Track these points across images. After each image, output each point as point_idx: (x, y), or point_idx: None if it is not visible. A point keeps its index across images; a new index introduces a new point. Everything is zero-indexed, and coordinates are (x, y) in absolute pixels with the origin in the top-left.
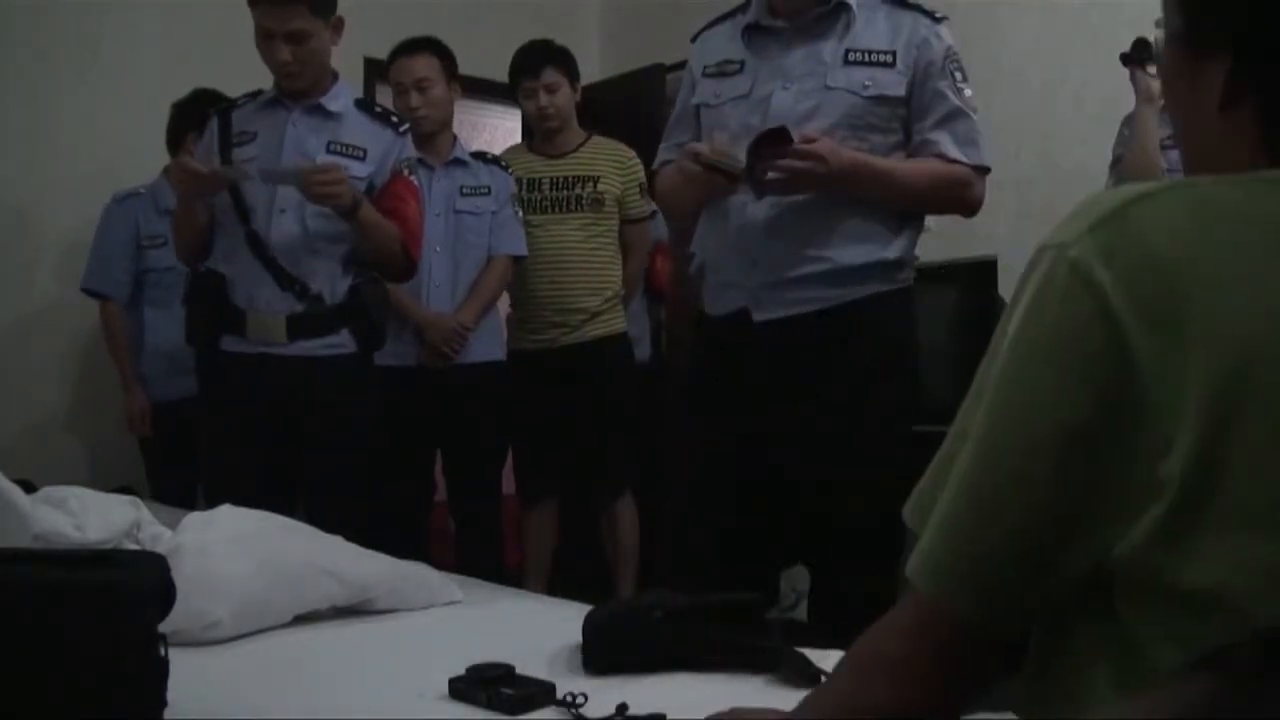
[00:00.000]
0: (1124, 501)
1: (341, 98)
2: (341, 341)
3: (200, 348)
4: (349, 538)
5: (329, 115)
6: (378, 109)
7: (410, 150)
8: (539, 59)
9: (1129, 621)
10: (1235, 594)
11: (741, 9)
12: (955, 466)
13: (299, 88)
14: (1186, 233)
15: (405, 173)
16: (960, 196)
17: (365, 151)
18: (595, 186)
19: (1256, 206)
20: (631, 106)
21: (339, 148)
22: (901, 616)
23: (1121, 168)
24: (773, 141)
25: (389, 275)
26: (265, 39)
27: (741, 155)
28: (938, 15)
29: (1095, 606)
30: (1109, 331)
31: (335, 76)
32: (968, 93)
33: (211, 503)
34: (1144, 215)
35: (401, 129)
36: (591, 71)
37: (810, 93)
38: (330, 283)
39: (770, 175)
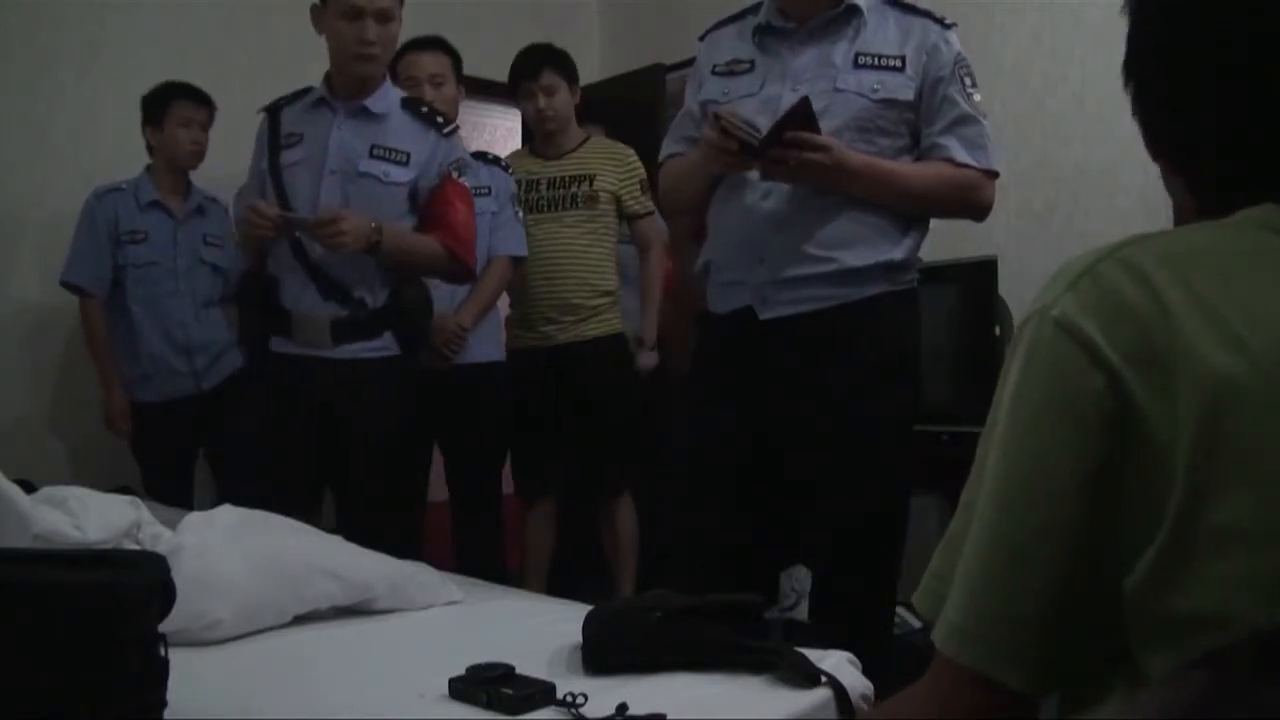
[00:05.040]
0: (1134, 538)
1: (387, 98)
2: (384, 344)
3: (250, 348)
4: (389, 538)
5: (373, 117)
6: (424, 109)
7: (458, 151)
8: (537, 61)
9: (1139, 652)
10: (1231, 611)
11: (752, 10)
12: (970, 537)
13: (371, 73)
14: (1154, 280)
15: (454, 175)
16: (968, 200)
17: (409, 155)
18: (590, 184)
19: (1213, 247)
20: (631, 106)
21: (382, 152)
22: (933, 688)
23: None
24: (796, 124)
25: (446, 280)
26: (351, 18)
27: (761, 131)
28: (947, 21)
29: (1114, 649)
30: (1105, 377)
31: (384, 76)
32: (977, 98)
33: (238, 500)
34: (1114, 269)
35: (446, 130)
36: (591, 71)
37: (819, 94)
38: (371, 287)
39: (778, 157)
